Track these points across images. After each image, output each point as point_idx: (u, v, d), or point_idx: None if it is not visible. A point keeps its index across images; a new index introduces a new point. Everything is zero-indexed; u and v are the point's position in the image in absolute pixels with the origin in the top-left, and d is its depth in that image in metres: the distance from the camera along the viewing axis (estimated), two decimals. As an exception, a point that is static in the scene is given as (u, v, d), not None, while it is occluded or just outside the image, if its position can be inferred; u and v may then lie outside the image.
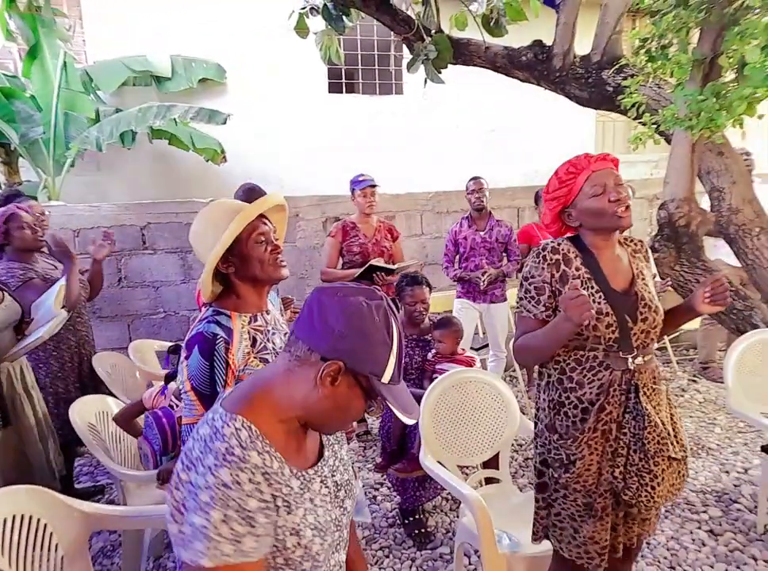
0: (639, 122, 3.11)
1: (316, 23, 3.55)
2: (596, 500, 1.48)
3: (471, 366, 2.52)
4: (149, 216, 4.03)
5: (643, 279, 1.53)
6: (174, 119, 5.21)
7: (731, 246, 3.24)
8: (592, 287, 1.46)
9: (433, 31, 3.33)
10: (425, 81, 3.36)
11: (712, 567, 2.21)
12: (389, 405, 0.86)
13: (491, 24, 3.64)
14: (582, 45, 3.58)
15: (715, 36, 2.60)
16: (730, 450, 3.11)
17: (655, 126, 2.93)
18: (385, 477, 2.86)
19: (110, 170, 6.03)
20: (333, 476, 0.98)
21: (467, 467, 2.53)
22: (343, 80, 6.20)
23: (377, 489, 2.90)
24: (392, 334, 0.86)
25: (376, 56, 6.21)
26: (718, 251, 3.62)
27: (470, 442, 2.23)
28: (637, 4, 3.03)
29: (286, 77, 6.13)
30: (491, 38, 3.70)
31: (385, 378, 0.86)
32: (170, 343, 3.10)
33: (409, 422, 0.87)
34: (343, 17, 3.47)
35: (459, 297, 3.83)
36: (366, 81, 6.25)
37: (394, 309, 0.90)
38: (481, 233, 3.71)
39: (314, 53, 3.77)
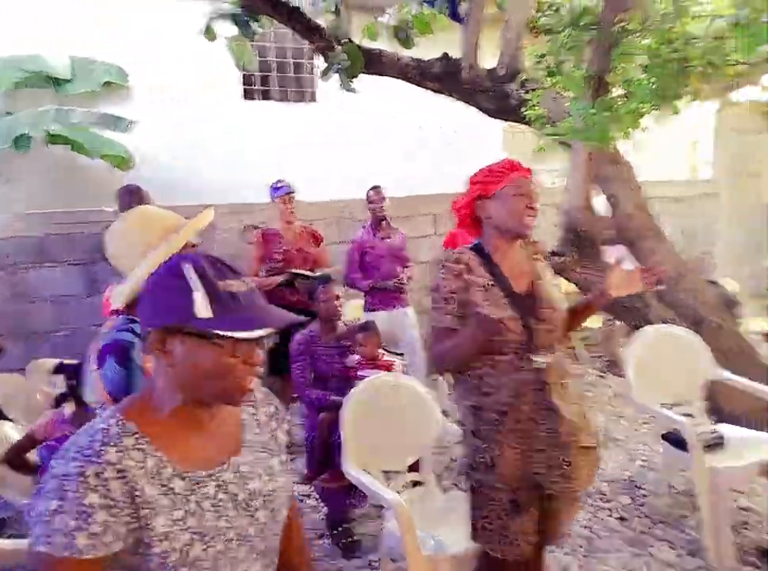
0: (543, 133, 3.30)
1: (229, 27, 3.48)
2: (520, 496, 1.54)
3: (391, 371, 2.55)
4: (50, 227, 3.76)
5: (543, 280, 1.61)
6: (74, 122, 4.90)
7: (628, 249, 3.49)
8: (496, 292, 1.52)
9: (344, 40, 3.36)
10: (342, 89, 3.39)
11: (621, 551, 2.35)
12: (223, 333, 0.83)
13: (401, 36, 3.73)
14: (490, 59, 3.74)
15: (603, 55, 2.80)
16: (636, 440, 3.33)
17: (556, 137, 3.11)
18: (312, 488, 2.82)
19: (5, 179, 5.56)
20: (246, 484, 0.93)
21: (393, 472, 2.54)
22: (259, 86, 6.10)
23: (302, 501, 2.85)
24: (179, 273, 0.86)
25: (291, 64, 6.17)
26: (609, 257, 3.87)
27: (393, 446, 2.24)
28: (534, 22, 3.22)
29: (199, 81, 5.94)
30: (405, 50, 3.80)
31: (203, 313, 0.83)
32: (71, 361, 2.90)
33: (254, 335, 0.84)
34: (254, 23, 3.43)
35: (373, 310, 3.76)
36: (282, 88, 6.19)
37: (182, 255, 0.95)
38: (387, 240, 3.79)
39: (228, 58, 3.69)
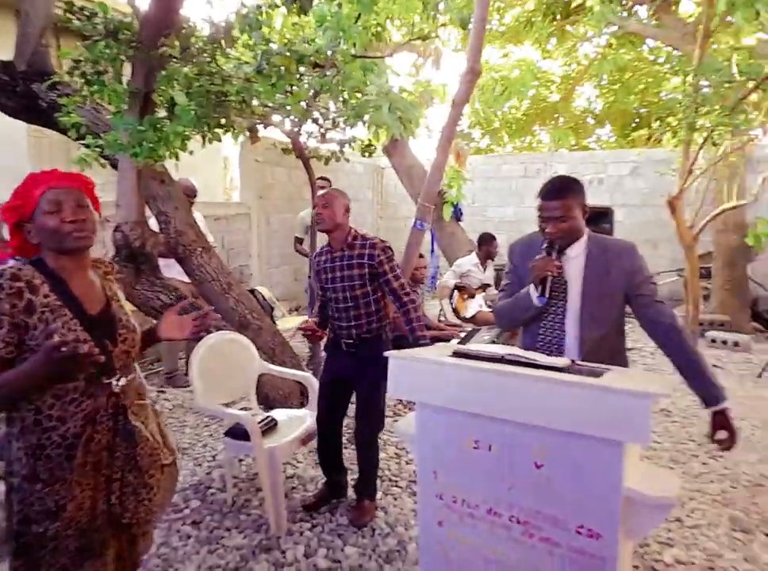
0: (82, 144, 3.08)
1: None
2: (93, 538, 1.41)
3: None
4: None
5: (118, 301, 1.54)
6: None
7: (181, 264, 3.65)
8: (65, 315, 1.36)
9: None
10: None
11: (198, 553, 2.44)
12: None
13: None
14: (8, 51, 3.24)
15: (146, 74, 2.85)
16: (200, 445, 3.49)
17: (99, 149, 2.96)
18: None
19: None
20: None
21: None
22: None
23: None
24: None
25: None
26: (170, 271, 3.98)
27: None
28: (66, 22, 2.98)
29: None
30: None
31: None
32: None
33: None
34: None
35: None
36: None
37: None
38: None
39: None
